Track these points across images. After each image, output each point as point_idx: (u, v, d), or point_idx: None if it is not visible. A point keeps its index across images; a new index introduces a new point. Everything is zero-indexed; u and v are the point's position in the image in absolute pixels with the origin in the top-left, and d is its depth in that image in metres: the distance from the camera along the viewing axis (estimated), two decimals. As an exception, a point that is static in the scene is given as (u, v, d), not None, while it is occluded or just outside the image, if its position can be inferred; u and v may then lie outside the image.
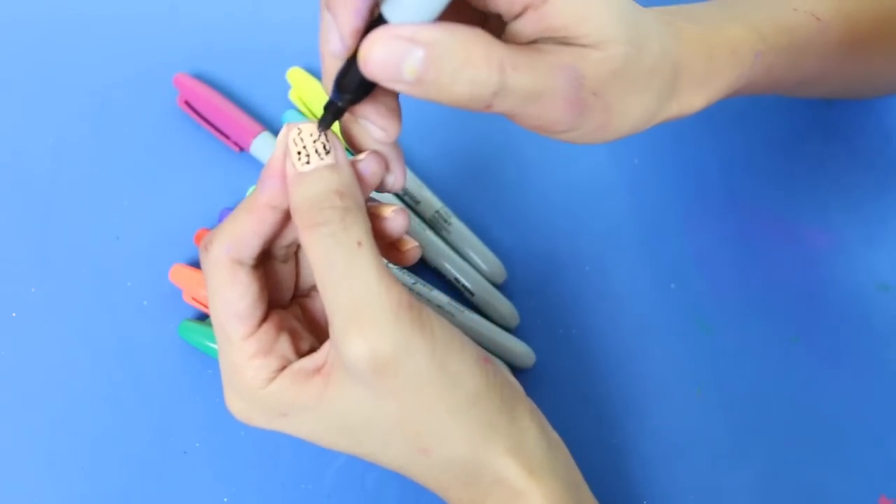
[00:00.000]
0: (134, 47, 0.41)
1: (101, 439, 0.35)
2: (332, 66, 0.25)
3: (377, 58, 0.23)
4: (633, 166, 0.44)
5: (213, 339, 0.35)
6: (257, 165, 0.39)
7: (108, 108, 0.40)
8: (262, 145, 0.39)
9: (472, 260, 0.40)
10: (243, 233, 0.26)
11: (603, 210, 0.42)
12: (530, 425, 0.28)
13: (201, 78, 0.40)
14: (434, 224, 0.40)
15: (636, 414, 0.38)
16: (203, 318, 0.37)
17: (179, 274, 0.36)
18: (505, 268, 0.40)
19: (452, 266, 0.39)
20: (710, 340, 0.40)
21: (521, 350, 0.38)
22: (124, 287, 0.37)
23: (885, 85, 0.44)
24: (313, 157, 0.26)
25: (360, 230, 0.25)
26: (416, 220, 0.39)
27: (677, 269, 0.41)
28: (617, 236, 0.42)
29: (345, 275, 0.25)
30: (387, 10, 0.23)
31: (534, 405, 0.30)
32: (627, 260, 0.41)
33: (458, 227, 0.40)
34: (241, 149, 0.39)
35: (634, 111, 0.28)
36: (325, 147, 0.26)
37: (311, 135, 0.26)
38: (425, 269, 0.39)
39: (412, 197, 0.40)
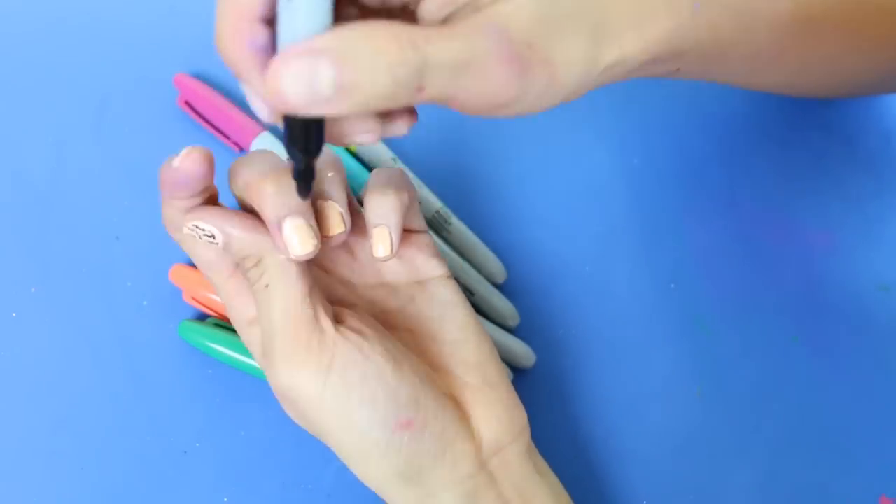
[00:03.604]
0: (134, 47, 0.41)
1: (101, 439, 0.35)
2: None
3: (288, 87, 0.21)
4: (632, 166, 0.44)
5: (212, 339, 0.35)
6: (257, 165, 0.39)
7: (108, 108, 0.40)
8: (262, 145, 0.39)
9: (472, 260, 0.40)
10: None
11: (603, 210, 0.42)
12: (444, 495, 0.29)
13: (201, 78, 0.40)
14: (434, 224, 0.40)
15: (636, 414, 0.38)
16: (203, 318, 0.37)
17: (179, 274, 0.36)
18: (505, 268, 0.40)
19: (452, 266, 0.39)
20: (710, 340, 0.40)
21: (521, 350, 0.38)
22: (124, 287, 0.37)
23: (852, 80, 0.41)
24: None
25: (268, 276, 0.28)
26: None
27: (677, 269, 0.41)
28: (617, 236, 0.42)
29: (260, 311, 0.28)
30: (280, 44, 0.22)
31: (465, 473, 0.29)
32: (627, 260, 0.41)
33: (458, 227, 0.40)
34: (241, 149, 0.39)
35: (576, 56, 0.26)
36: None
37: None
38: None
39: (412, 197, 0.40)
